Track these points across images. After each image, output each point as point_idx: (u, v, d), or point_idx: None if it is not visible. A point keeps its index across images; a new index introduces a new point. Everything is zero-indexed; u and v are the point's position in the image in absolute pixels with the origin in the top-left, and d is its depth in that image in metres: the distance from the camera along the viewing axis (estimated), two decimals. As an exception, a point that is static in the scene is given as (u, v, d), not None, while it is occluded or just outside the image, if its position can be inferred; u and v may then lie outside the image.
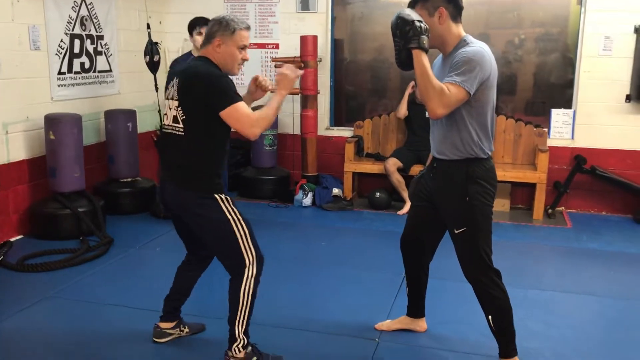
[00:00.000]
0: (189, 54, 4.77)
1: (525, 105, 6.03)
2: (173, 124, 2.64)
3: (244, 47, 2.69)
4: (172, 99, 2.65)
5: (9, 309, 3.42)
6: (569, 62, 5.74)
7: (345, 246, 4.70)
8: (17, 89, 4.57)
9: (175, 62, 4.78)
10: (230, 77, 2.66)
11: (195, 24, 4.70)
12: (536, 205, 5.47)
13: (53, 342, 3.10)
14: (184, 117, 2.59)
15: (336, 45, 6.24)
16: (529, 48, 5.86)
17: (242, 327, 2.69)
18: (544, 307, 3.56)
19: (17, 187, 4.64)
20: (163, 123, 2.76)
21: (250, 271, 2.65)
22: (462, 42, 2.59)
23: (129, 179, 5.46)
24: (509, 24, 5.88)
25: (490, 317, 2.70)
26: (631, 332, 3.30)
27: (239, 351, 2.71)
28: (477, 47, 2.55)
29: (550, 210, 5.56)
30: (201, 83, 2.56)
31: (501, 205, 5.70)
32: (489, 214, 2.67)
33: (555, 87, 5.87)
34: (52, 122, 4.67)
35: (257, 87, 2.87)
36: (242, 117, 2.56)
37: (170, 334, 3.06)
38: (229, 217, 2.63)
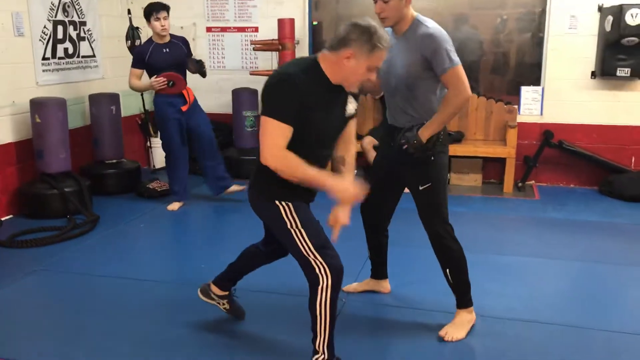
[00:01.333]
0: (150, 41, 4.91)
1: (499, 84, 6.26)
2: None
3: (374, 68, 2.36)
4: None
5: (1, 281, 3.63)
6: (539, 41, 5.95)
7: (320, 219, 4.90)
8: (2, 74, 4.74)
9: (140, 52, 4.90)
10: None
11: (152, 10, 4.75)
12: (506, 179, 5.72)
13: (45, 310, 3.33)
14: None
15: (317, 28, 6.42)
16: (502, 28, 6.07)
17: (324, 341, 2.50)
18: (502, 270, 3.80)
19: (5, 169, 4.82)
20: None
21: (323, 281, 2.42)
22: (416, 22, 2.82)
23: (114, 161, 5.65)
24: (490, 4, 6.07)
25: (447, 269, 2.95)
26: (582, 289, 3.58)
27: None
28: (435, 25, 2.80)
29: (520, 184, 5.81)
30: (269, 82, 2.35)
31: (473, 180, 5.95)
32: (446, 170, 2.97)
33: (526, 66, 6.09)
34: (38, 106, 4.84)
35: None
36: (268, 138, 2.31)
37: (213, 299, 3.01)
38: (288, 223, 2.45)
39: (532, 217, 5.01)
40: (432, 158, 2.86)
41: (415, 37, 2.77)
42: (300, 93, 2.29)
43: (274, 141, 2.30)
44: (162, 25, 4.76)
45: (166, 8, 4.79)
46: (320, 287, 2.43)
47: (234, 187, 5.23)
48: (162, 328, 3.06)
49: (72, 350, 2.85)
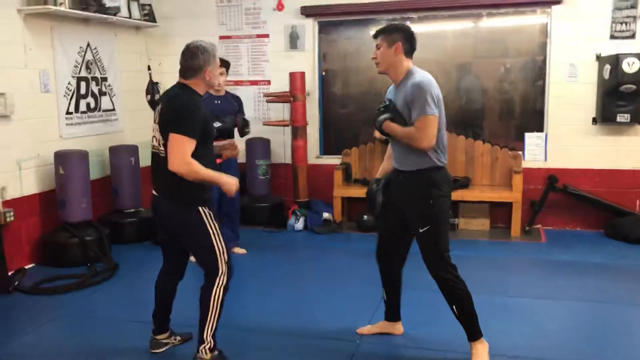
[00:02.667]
0: (206, 92, 5.13)
1: (503, 130, 6.46)
2: (157, 146, 2.99)
3: (222, 72, 3.15)
4: (155, 122, 3.00)
5: (25, 328, 3.78)
6: (541, 89, 6.17)
7: (333, 264, 5.08)
8: (29, 129, 5.00)
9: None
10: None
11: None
12: (513, 223, 5.85)
13: (65, 354, 3.46)
14: (163, 140, 2.91)
15: (326, 79, 6.70)
16: (505, 76, 6.32)
17: (210, 330, 3.00)
18: (508, 310, 3.91)
19: (29, 219, 5.02)
20: (152, 144, 3.06)
21: (221, 280, 2.98)
22: (409, 73, 3.10)
23: (132, 210, 5.85)
24: (492, 54, 6.33)
25: (454, 306, 3.10)
26: (587, 329, 3.68)
27: (206, 353, 3.00)
28: (424, 76, 3.06)
29: (527, 228, 5.94)
30: (174, 110, 2.90)
31: (481, 224, 6.09)
32: (447, 214, 3.14)
33: (529, 113, 6.30)
34: (62, 158, 5.08)
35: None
36: (179, 149, 2.81)
37: (166, 344, 3.36)
38: (210, 229, 2.96)
39: (539, 259, 5.13)
40: (431, 202, 3.03)
41: (406, 87, 3.05)
42: (200, 110, 2.91)
43: (185, 154, 2.81)
44: (219, 81, 4.98)
45: (226, 65, 5.01)
46: (217, 285, 2.96)
47: (237, 250, 5.34)
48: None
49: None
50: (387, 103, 3.16)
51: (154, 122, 3.04)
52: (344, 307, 4.02)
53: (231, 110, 5.13)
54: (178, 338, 3.43)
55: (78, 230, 5.07)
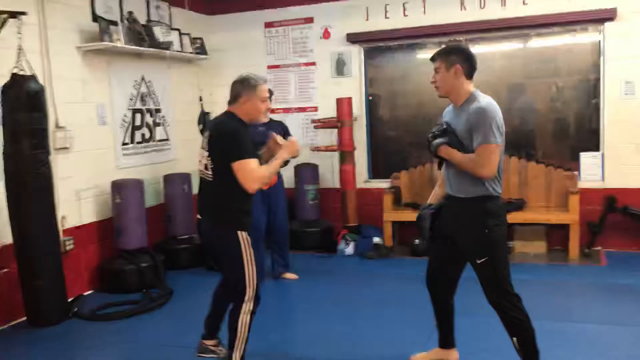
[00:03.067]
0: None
1: (558, 150, 6.30)
2: (205, 171, 3.17)
3: (265, 99, 3.21)
4: (203, 148, 3.19)
5: (85, 354, 3.89)
6: (595, 107, 6.00)
7: (384, 289, 5.02)
8: (87, 160, 5.19)
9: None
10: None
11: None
12: (571, 245, 5.65)
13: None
14: (212, 165, 3.12)
15: (372, 103, 6.72)
16: (558, 96, 6.18)
17: (239, 352, 3.12)
18: (572, 337, 3.76)
19: (87, 247, 5.19)
20: (198, 169, 3.27)
21: (247, 306, 3.11)
22: (472, 97, 3.01)
23: (186, 236, 5.96)
24: (544, 73, 6.20)
25: (514, 338, 2.98)
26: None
27: None
28: (488, 101, 2.97)
29: (587, 250, 5.73)
30: (223, 137, 3.07)
31: (538, 247, 5.92)
32: (505, 243, 3.03)
33: (584, 132, 6.13)
34: (118, 187, 5.25)
35: (275, 144, 3.34)
36: (247, 172, 3.01)
37: (212, 352, 3.48)
38: (244, 254, 3.09)
39: (601, 283, 4.93)
40: (486, 231, 2.94)
41: (469, 111, 2.95)
42: (246, 135, 3.11)
43: (253, 172, 3.02)
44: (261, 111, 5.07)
45: (270, 92, 5.10)
46: (243, 310, 3.09)
47: (289, 275, 5.38)
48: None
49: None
50: (445, 127, 3.05)
51: (202, 147, 3.22)
52: (396, 333, 3.96)
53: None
54: (224, 351, 3.44)
55: (134, 257, 5.20)
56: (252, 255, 3.10)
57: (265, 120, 5.17)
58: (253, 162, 3.05)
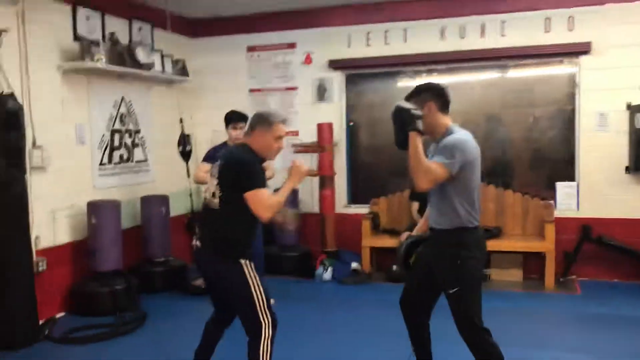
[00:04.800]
0: (225, 144, 5.21)
1: (534, 180, 6.39)
2: (212, 198, 3.11)
3: (279, 138, 3.17)
4: (214, 176, 3.13)
5: (54, 377, 3.79)
6: (571, 138, 6.11)
7: (362, 315, 4.99)
8: (64, 179, 5.12)
9: (212, 150, 5.21)
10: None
11: (230, 120, 5.12)
12: (547, 274, 5.70)
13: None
14: (221, 193, 3.06)
15: (353, 129, 6.77)
16: (534, 126, 6.29)
17: None
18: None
19: (61, 268, 5.08)
20: (204, 196, 3.21)
21: (267, 333, 3.00)
22: (448, 131, 3.06)
23: (162, 259, 5.89)
24: (520, 102, 6.32)
25: None
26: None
27: None
28: (461, 135, 3.02)
29: (561, 279, 5.78)
30: (236, 167, 3.05)
31: (514, 275, 5.96)
32: (478, 277, 3.04)
33: (559, 162, 6.23)
34: (94, 208, 5.18)
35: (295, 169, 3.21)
36: (260, 201, 2.98)
37: None
38: (250, 281, 3.01)
39: (574, 312, 4.97)
40: (459, 262, 2.96)
41: (444, 143, 3.00)
42: (258, 167, 3.08)
43: (266, 201, 2.99)
44: (236, 134, 5.07)
45: (244, 119, 5.11)
46: (263, 337, 2.99)
47: None
48: None
49: None
50: (421, 114, 2.98)
51: (212, 175, 3.17)
52: (374, 359, 3.93)
53: None
54: None
55: (108, 280, 5.11)
56: (258, 282, 3.03)
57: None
58: (265, 192, 3.01)
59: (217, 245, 3.08)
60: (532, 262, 6.02)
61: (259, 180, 3.02)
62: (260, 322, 3.00)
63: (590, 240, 5.80)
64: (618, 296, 5.35)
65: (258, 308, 3.00)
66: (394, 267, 6.02)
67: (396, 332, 4.33)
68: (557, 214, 5.98)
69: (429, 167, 2.91)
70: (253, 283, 3.02)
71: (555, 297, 5.43)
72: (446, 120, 3.09)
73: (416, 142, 2.93)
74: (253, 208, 2.98)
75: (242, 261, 3.03)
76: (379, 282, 6.04)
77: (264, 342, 2.99)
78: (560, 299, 5.34)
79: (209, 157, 5.17)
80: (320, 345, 4.28)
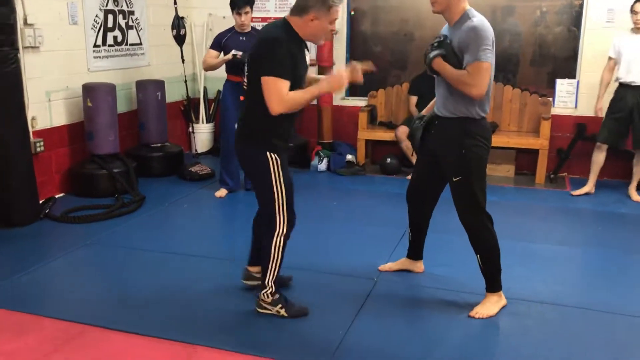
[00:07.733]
0: (232, 29, 5.06)
1: (535, 76, 6.31)
2: (244, 81, 2.94)
3: (334, 20, 2.82)
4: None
5: (55, 253, 3.93)
6: (575, 35, 5.97)
7: (355, 205, 5.12)
8: (57, 61, 5.03)
9: (220, 36, 5.05)
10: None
11: (235, 4, 4.89)
12: (538, 170, 5.80)
13: (94, 279, 3.62)
14: (248, 76, 2.87)
15: (354, 18, 6.57)
16: (541, 21, 6.11)
17: (272, 276, 3.00)
18: (530, 256, 3.93)
19: (58, 150, 5.12)
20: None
21: (280, 229, 2.94)
22: (465, 15, 2.94)
23: (159, 144, 5.92)
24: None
25: (479, 255, 3.11)
26: (607, 276, 3.68)
27: (268, 297, 3.03)
28: (480, 20, 2.91)
29: (552, 176, 5.88)
30: (262, 45, 2.76)
31: (506, 170, 6.04)
32: (483, 165, 3.05)
33: (562, 59, 6.13)
34: (90, 90, 5.13)
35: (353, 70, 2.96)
36: (275, 91, 2.69)
37: (256, 278, 3.28)
38: (272, 175, 2.85)
39: (563, 207, 5.10)
40: (464, 151, 2.97)
41: (462, 29, 2.90)
42: (289, 52, 2.74)
43: (281, 93, 2.70)
44: (242, 20, 4.90)
45: (249, 3, 4.91)
46: (277, 234, 2.95)
47: None
48: (206, 299, 3.29)
49: (118, 316, 3.08)
50: (442, 39, 2.99)
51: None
52: (363, 246, 4.08)
53: None
54: None
55: (106, 162, 5.16)
56: (281, 179, 2.86)
57: (247, 30, 5.03)
58: (283, 83, 2.70)
59: (245, 132, 2.92)
60: (524, 158, 6.09)
61: (281, 66, 2.69)
62: (276, 217, 2.93)
63: (585, 138, 5.83)
64: (606, 193, 5.47)
65: (275, 203, 2.90)
66: (388, 160, 6.09)
67: (387, 221, 4.49)
68: (555, 111, 5.97)
69: (469, 76, 2.86)
70: (275, 178, 2.87)
71: (546, 192, 5.55)
72: (465, 3, 2.98)
73: (444, 67, 2.93)
74: (266, 95, 2.71)
75: (269, 154, 2.83)
76: (373, 174, 6.13)
77: (277, 237, 2.95)
78: (550, 195, 5.46)
79: (216, 44, 5.05)
80: (313, 231, 4.39)
